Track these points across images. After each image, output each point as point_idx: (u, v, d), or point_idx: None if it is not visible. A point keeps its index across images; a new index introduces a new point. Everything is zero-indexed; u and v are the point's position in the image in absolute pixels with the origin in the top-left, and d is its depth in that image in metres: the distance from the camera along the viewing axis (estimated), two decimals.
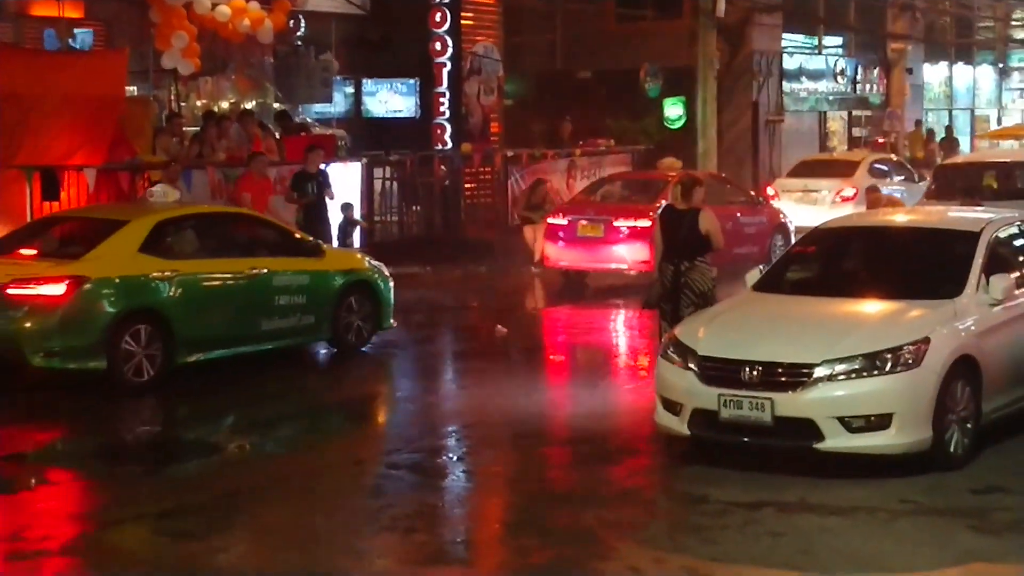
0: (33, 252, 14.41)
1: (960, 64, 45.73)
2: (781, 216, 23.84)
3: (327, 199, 20.06)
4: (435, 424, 12.79)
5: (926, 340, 10.14)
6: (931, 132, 40.72)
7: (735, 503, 9.57)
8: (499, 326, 17.56)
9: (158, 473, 11.37)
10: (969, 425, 10.42)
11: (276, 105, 26.64)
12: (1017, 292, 11.18)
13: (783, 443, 10.21)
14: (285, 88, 26.80)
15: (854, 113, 39.82)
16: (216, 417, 13.40)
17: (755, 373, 10.16)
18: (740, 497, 9.68)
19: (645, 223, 20.12)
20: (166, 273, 14.08)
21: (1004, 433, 10.87)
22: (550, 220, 22.01)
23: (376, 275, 16.33)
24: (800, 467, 10.14)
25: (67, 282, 13.46)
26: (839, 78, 38.40)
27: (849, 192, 26.23)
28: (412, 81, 29.59)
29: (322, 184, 19.99)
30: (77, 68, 20.20)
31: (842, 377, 10.01)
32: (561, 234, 21.52)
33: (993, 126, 46.54)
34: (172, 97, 24.69)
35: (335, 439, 12.82)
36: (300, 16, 26.75)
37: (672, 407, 10.73)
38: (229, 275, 14.77)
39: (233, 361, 14.76)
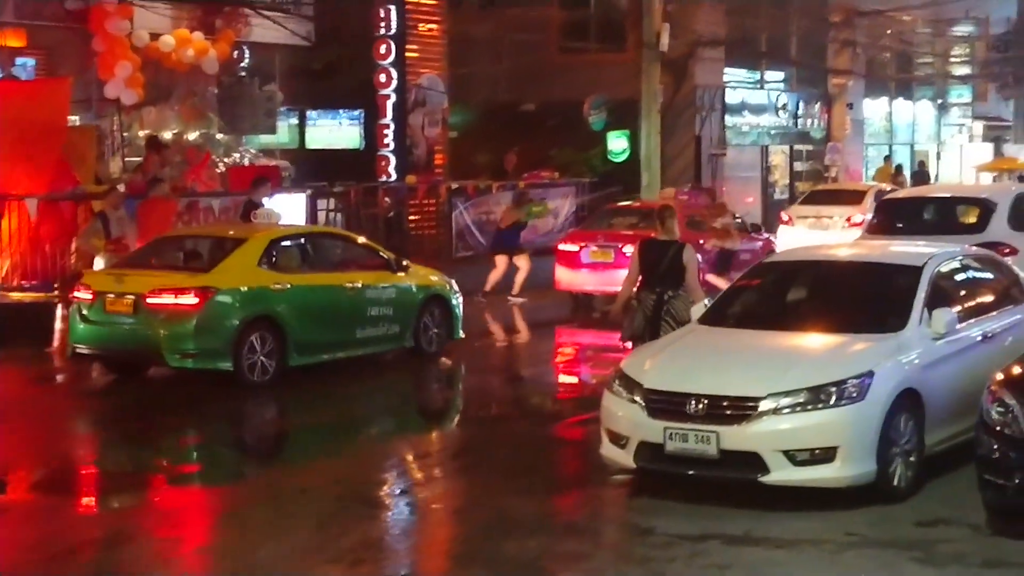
0: (164, 266, 16.16)
1: (900, 99, 46.21)
2: (773, 243, 25.02)
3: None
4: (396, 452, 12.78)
5: (870, 373, 10.20)
6: (899, 167, 41.45)
7: (681, 535, 9.58)
8: (444, 358, 17.55)
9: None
10: (913, 458, 10.48)
11: (218, 135, 26.58)
12: (959, 326, 11.26)
13: (729, 476, 10.23)
14: (229, 118, 26.69)
15: (796, 147, 40.16)
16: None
17: (701, 406, 10.18)
18: (686, 529, 9.69)
19: None
20: (281, 285, 15.79)
21: (947, 466, 10.93)
22: (560, 246, 23.11)
23: (449, 290, 17.98)
24: (745, 499, 10.17)
25: (200, 292, 15.17)
26: (781, 112, 38.73)
27: (859, 218, 27.48)
28: (356, 112, 29.61)
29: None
30: (19, 97, 20.12)
31: (787, 410, 10.05)
32: (572, 259, 22.61)
33: (932, 161, 47.05)
34: (115, 127, 24.55)
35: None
36: (244, 47, 26.73)
37: (618, 440, 10.72)
38: (331, 288, 16.46)
39: (334, 365, 16.37)
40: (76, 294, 16.12)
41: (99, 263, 18.14)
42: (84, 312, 15.81)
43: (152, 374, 16.26)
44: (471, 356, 18.48)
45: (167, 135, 25.50)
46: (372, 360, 17.08)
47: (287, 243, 16.66)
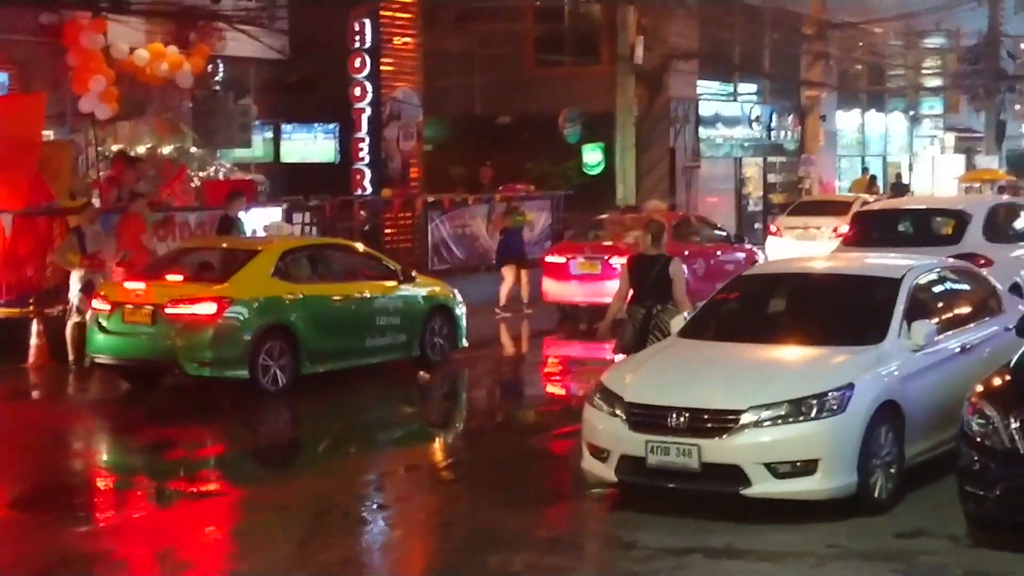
0: (180, 277, 16.42)
1: (872, 111, 46.41)
2: (756, 254, 25.22)
3: None
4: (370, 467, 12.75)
5: (850, 386, 10.23)
6: (874, 178, 41.85)
7: (664, 549, 9.59)
8: (422, 372, 17.54)
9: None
10: (893, 469, 10.51)
11: (192, 149, 26.52)
12: (938, 338, 11.30)
13: (710, 489, 10.25)
14: (203, 132, 26.61)
15: (769, 159, 40.28)
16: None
17: (682, 419, 10.20)
18: (669, 543, 9.70)
19: None
20: (294, 295, 16.21)
21: (926, 477, 10.97)
22: (548, 258, 23.35)
23: (454, 300, 18.40)
24: (727, 512, 10.18)
25: (217, 302, 15.53)
26: (754, 125, 38.85)
27: (845, 229, 27.43)
28: (331, 126, 29.57)
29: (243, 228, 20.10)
30: None
31: (768, 423, 10.07)
32: (559, 271, 22.88)
33: (905, 172, 47.26)
34: (90, 141, 24.44)
35: None
36: (219, 60, 26.67)
37: (599, 453, 10.73)
38: (342, 297, 16.91)
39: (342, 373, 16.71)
40: (94, 304, 16.48)
41: (75, 279, 18.08)
42: (102, 322, 16.15)
43: (161, 383, 16.68)
44: (466, 367, 18.70)
45: (141, 149, 25.43)
46: (378, 369, 17.38)
47: (299, 254, 17.10)
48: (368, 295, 17.23)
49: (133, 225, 18.80)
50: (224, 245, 17.93)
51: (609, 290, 21.05)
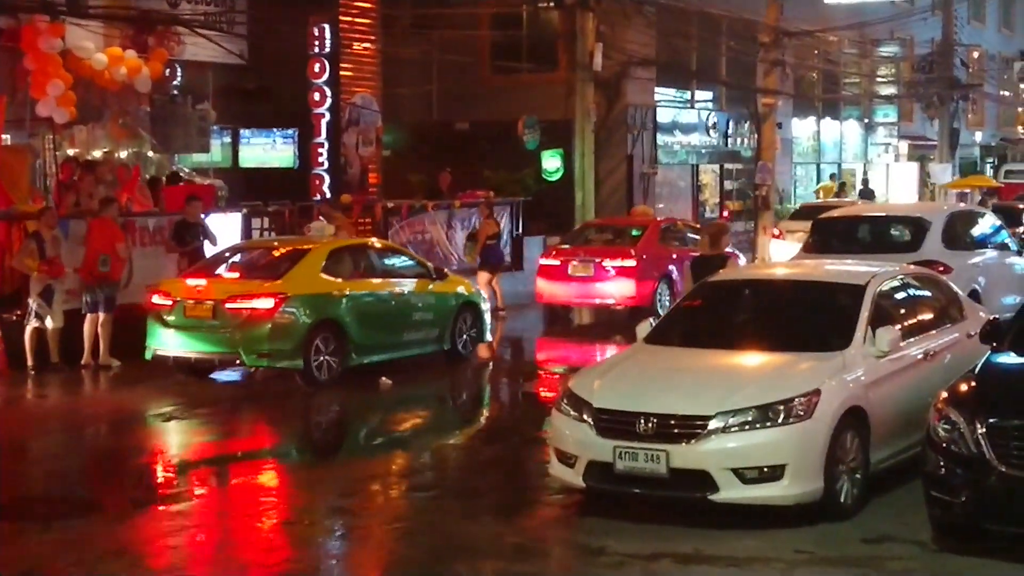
0: (236, 274, 17.62)
1: (828, 119, 46.68)
2: (739, 257, 25.97)
3: (210, 245, 20.07)
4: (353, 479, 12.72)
5: (817, 392, 10.29)
6: (843, 185, 42.28)
7: (632, 555, 9.62)
8: (383, 379, 17.52)
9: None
10: (858, 475, 10.59)
11: (150, 154, 26.38)
12: (902, 344, 11.40)
13: (678, 494, 10.28)
14: (161, 137, 26.46)
15: (726, 166, 40.43)
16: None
17: (650, 425, 10.23)
18: (637, 549, 9.73)
19: (630, 263, 23.57)
20: (341, 291, 17.35)
21: (892, 482, 11.05)
22: (542, 260, 24.59)
23: (479, 297, 19.90)
24: (695, 518, 10.22)
25: (275, 298, 16.62)
26: (711, 132, 38.99)
27: None
28: (290, 131, 29.47)
29: (205, 233, 20.01)
30: None
31: (735, 429, 10.11)
32: (555, 273, 24.08)
33: (858, 179, 47.55)
34: (47, 146, 24.29)
35: None
36: (177, 65, 26.54)
37: (567, 459, 10.75)
38: (383, 294, 18.19)
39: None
40: (155, 300, 17.36)
41: (34, 284, 17.98)
42: (164, 317, 17.13)
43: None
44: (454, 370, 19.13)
45: (97, 154, 25.28)
46: (413, 362, 18.53)
47: (344, 253, 18.16)
48: (406, 291, 18.52)
49: (107, 231, 18.70)
50: (277, 244, 19.03)
51: (601, 291, 23.72)
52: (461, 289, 19.53)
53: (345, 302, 17.42)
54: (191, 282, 17.49)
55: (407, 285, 18.62)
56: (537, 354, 21.90)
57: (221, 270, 17.88)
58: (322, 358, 17.01)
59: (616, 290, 23.69)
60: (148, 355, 17.52)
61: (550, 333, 23.95)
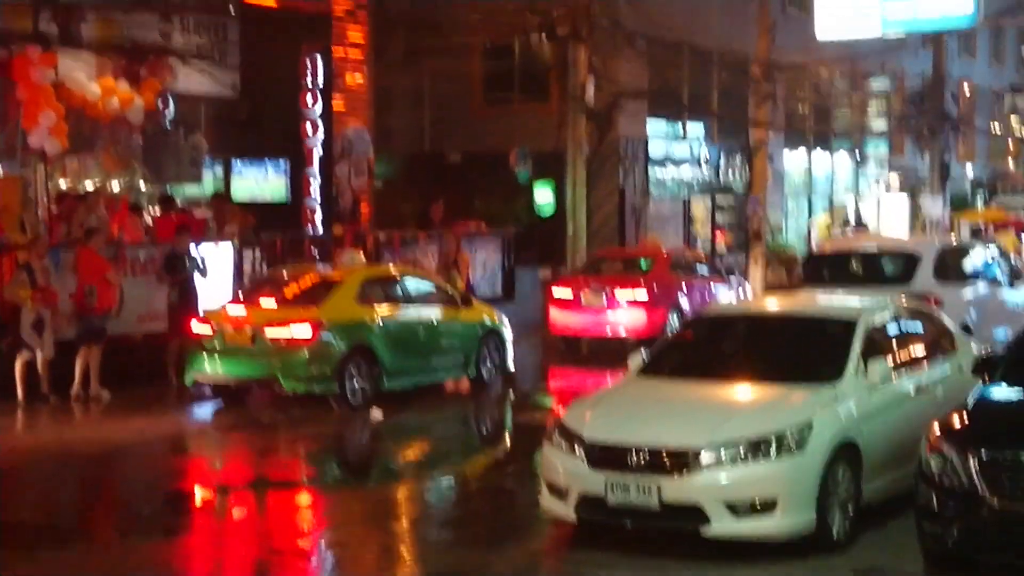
0: (273, 302, 18.15)
1: (818, 151, 46.72)
2: (744, 286, 27.52)
3: (200, 277, 20.19)
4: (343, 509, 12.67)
5: (809, 425, 10.29)
6: (847, 219, 42.59)
7: None
8: (374, 408, 17.49)
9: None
10: (850, 508, 10.58)
11: (142, 184, 26.33)
12: (894, 377, 11.41)
13: (670, 527, 10.26)
14: (153, 168, 26.43)
15: (717, 199, 40.44)
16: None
17: (641, 458, 10.21)
18: None
19: (642, 293, 24.05)
20: (375, 319, 18.06)
21: (883, 515, 11.02)
22: (555, 291, 24.89)
23: (502, 325, 20.31)
24: (687, 551, 10.19)
25: (313, 325, 17.32)
26: (703, 164, 39.02)
27: None
28: (282, 162, 29.47)
29: (196, 263, 20.04)
30: None
31: (727, 462, 10.09)
32: (568, 303, 24.48)
33: (851, 212, 47.60)
34: (39, 176, 24.23)
35: None
36: (169, 96, 26.52)
37: (558, 491, 10.73)
38: (413, 321, 18.77)
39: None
40: (196, 328, 17.98)
41: (26, 315, 17.92)
42: (205, 344, 17.75)
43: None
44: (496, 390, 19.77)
45: (89, 185, 25.24)
46: (437, 389, 19.34)
47: (375, 281, 18.91)
48: (434, 319, 19.14)
49: (92, 261, 18.68)
50: (311, 273, 19.52)
51: (613, 321, 24.33)
52: (486, 317, 20.16)
53: (378, 329, 18.10)
54: (231, 310, 18.14)
55: (435, 312, 19.25)
56: (544, 382, 22.07)
57: (259, 298, 18.42)
58: (356, 383, 17.63)
59: (628, 320, 24.15)
60: (188, 381, 18.21)
61: (551, 362, 24.02)
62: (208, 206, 25.00)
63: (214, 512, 12.95)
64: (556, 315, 24.67)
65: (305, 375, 17.35)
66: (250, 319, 17.71)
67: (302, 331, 17.34)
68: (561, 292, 24.80)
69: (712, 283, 25.93)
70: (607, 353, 24.03)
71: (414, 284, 19.71)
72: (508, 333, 20.39)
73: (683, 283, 24.84)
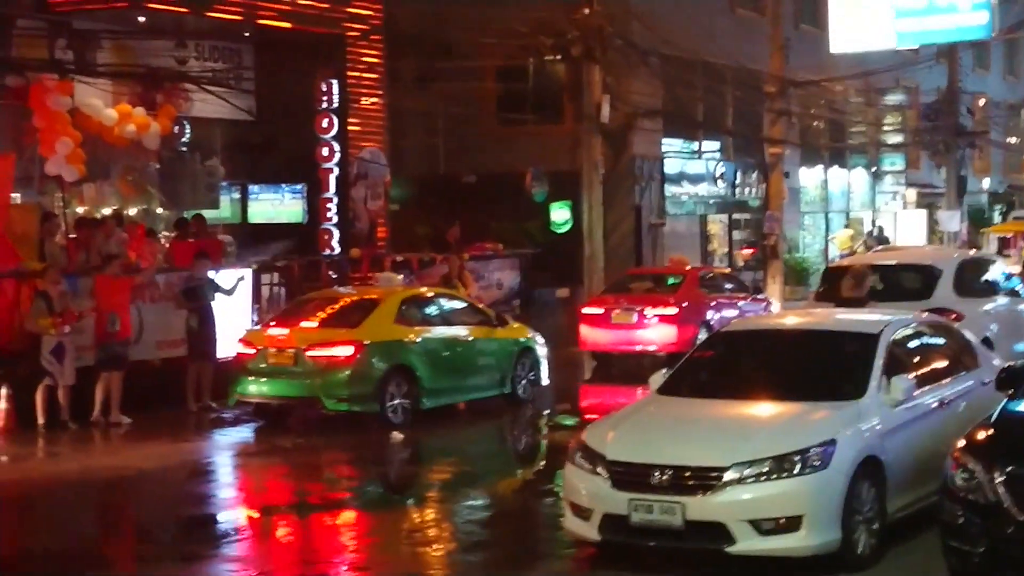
0: (314, 323, 18.45)
1: (835, 167, 46.68)
2: (772, 304, 28.19)
3: (226, 297, 20.41)
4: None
5: (832, 442, 10.23)
6: (870, 233, 42.54)
7: None
8: (395, 432, 17.50)
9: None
10: (875, 525, 10.52)
11: (159, 210, 26.40)
12: (916, 393, 11.34)
13: (695, 546, 10.20)
14: (170, 193, 26.52)
15: (734, 216, 40.41)
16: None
17: (665, 477, 10.16)
18: None
19: (672, 310, 24.28)
20: (414, 339, 18.36)
21: (908, 532, 10.96)
22: (586, 309, 25.16)
23: (536, 343, 20.46)
24: (711, 570, 10.14)
25: (354, 345, 17.59)
26: (719, 182, 38.99)
27: None
28: (299, 186, 29.53)
29: (216, 289, 20.15)
30: None
31: (751, 480, 10.04)
32: (598, 321, 24.69)
33: (867, 228, 47.50)
34: (58, 204, 24.32)
35: None
36: (185, 121, 26.61)
37: (581, 512, 10.68)
38: (450, 340, 19.10)
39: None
40: (238, 349, 18.36)
41: (45, 342, 17.91)
42: (247, 365, 18.04)
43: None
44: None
45: (106, 211, 25.29)
46: (474, 406, 19.52)
47: (413, 302, 19.24)
48: (471, 338, 19.47)
49: (112, 288, 18.72)
50: (351, 294, 20.06)
51: (643, 338, 24.61)
52: (520, 335, 20.40)
53: (415, 348, 18.38)
54: (273, 331, 18.44)
55: (471, 331, 19.55)
56: (576, 400, 22.26)
57: (299, 320, 18.66)
58: (396, 402, 17.85)
59: (658, 337, 24.36)
60: (231, 401, 18.55)
61: (581, 380, 24.34)
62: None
63: (239, 535, 12.92)
64: (587, 332, 24.94)
65: (347, 394, 17.61)
66: (292, 340, 18.01)
67: (344, 351, 17.61)
68: (592, 310, 25.11)
69: (742, 300, 26.31)
70: (639, 369, 24.04)
71: (450, 304, 20.13)
72: (542, 350, 20.61)
73: (712, 300, 25.25)
